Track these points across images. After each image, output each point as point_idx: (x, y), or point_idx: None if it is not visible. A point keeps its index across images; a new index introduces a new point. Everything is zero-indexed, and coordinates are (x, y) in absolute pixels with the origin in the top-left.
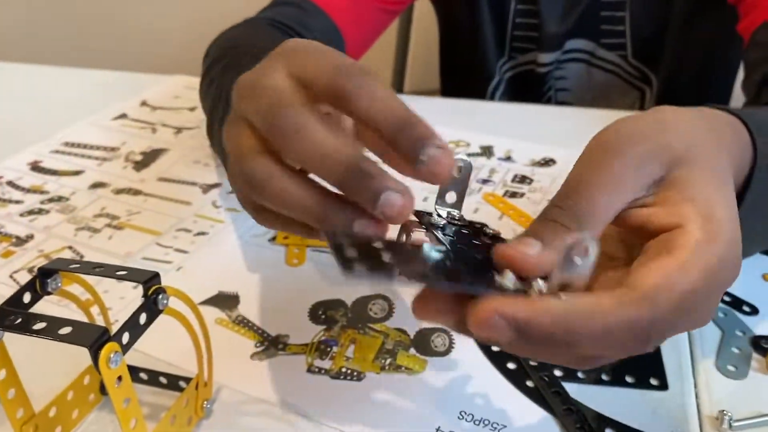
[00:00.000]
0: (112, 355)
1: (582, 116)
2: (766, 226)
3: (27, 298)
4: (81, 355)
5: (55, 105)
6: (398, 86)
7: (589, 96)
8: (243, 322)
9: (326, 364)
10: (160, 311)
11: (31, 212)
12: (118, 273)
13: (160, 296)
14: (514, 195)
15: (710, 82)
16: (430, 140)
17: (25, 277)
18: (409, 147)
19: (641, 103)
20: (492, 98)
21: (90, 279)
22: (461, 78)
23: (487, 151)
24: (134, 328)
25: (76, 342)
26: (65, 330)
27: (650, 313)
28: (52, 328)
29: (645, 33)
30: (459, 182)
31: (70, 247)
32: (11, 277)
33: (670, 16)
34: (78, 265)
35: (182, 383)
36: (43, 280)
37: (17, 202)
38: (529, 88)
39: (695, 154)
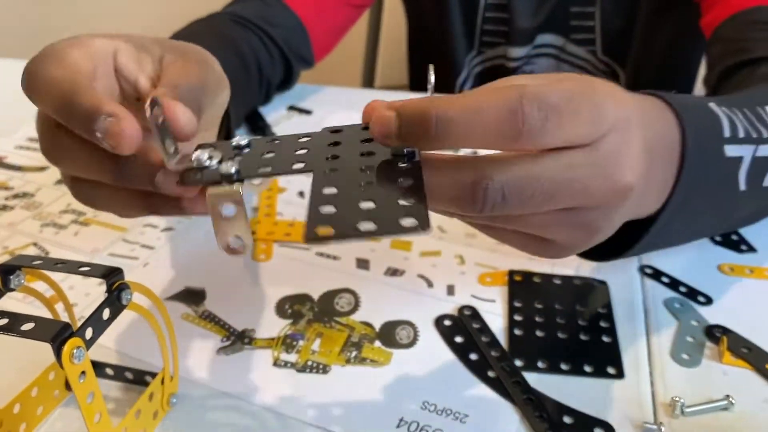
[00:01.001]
0: (75, 351)
1: None
2: (707, 204)
3: None
4: (45, 352)
5: (17, 99)
6: (369, 81)
7: None
8: (209, 317)
9: (292, 357)
10: (124, 306)
11: None
12: (81, 269)
13: (123, 292)
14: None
15: (674, 77)
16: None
17: None
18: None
19: None
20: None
21: (55, 276)
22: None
23: None
24: (98, 323)
25: (39, 338)
26: (27, 326)
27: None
28: (14, 324)
29: (614, 28)
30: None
31: (35, 244)
32: None
33: (637, 12)
34: (40, 262)
35: (148, 378)
36: (5, 277)
37: None
38: None
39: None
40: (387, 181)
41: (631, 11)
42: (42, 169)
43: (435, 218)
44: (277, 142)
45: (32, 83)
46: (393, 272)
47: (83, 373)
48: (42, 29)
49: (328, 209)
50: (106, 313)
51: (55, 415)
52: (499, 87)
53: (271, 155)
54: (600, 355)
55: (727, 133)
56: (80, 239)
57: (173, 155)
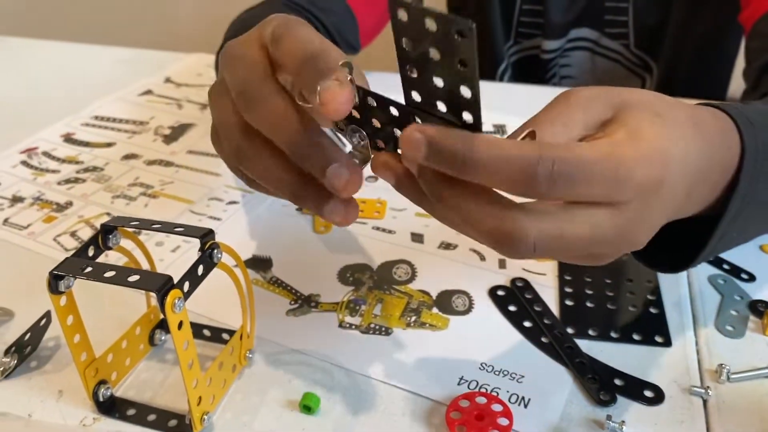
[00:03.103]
0: (176, 301)
1: None
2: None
3: (91, 252)
4: (132, 309)
5: (80, 80)
6: None
7: (593, 83)
8: (277, 283)
9: (356, 320)
10: (215, 264)
11: (68, 181)
12: (176, 229)
13: (215, 251)
14: None
15: (708, 70)
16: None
17: (68, 241)
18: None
19: (641, 85)
20: (500, 81)
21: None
22: None
23: (500, 130)
24: (193, 278)
25: (145, 287)
26: (134, 278)
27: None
28: (122, 276)
29: (647, 23)
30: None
31: (108, 214)
32: (55, 240)
33: (672, 6)
34: (137, 222)
35: (224, 335)
36: (105, 236)
37: (54, 171)
38: (534, 73)
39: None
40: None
41: (665, 5)
42: (109, 144)
43: None
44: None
45: (279, 42)
46: (446, 246)
47: (181, 323)
48: (95, 10)
49: None
50: (200, 270)
51: (140, 367)
52: (524, 142)
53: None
54: (648, 325)
55: None
56: (150, 210)
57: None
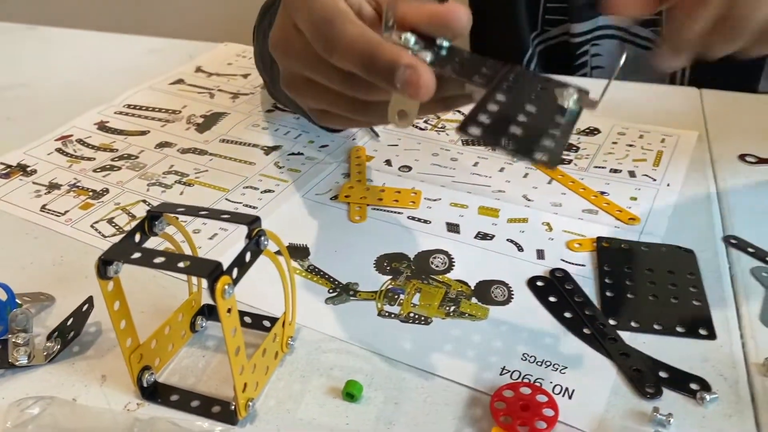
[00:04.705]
0: (226, 287)
1: (623, 89)
2: None
3: (137, 237)
4: (174, 296)
5: (112, 70)
6: None
7: (623, 71)
8: (315, 271)
9: (395, 309)
10: (261, 251)
11: (103, 168)
12: (223, 216)
13: (262, 238)
14: (561, 162)
15: (739, 61)
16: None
17: (105, 227)
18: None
19: (672, 76)
20: None
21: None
22: (494, 53)
23: None
24: (241, 264)
25: (196, 273)
26: (183, 263)
27: None
28: (171, 261)
29: None
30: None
31: (144, 201)
32: (92, 226)
33: None
34: (184, 209)
35: (266, 322)
36: (151, 222)
37: (89, 159)
38: (562, 60)
39: None
40: (546, 114)
41: None
42: (143, 133)
43: (519, 188)
44: (467, 56)
45: (330, 46)
46: (483, 236)
47: (229, 309)
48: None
49: (484, 118)
50: (247, 257)
51: (182, 353)
52: None
53: (459, 65)
54: (691, 318)
55: None
56: (186, 198)
57: (390, 28)
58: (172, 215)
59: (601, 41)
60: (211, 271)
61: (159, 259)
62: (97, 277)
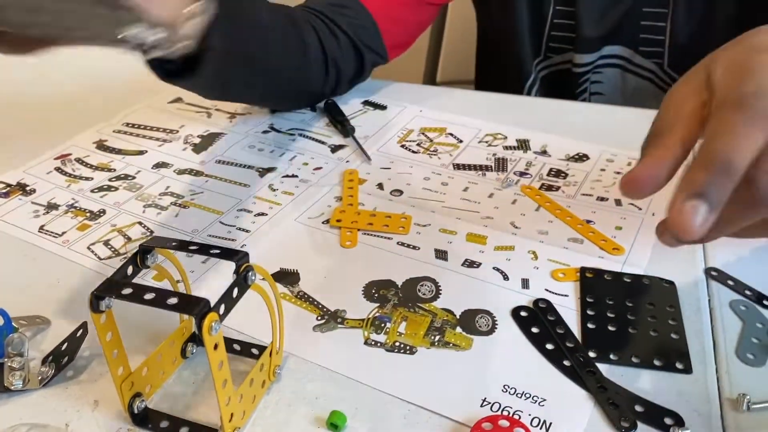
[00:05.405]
0: (213, 324)
1: (615, 114)
2: None
3: (130, 270)
4: (165, 324)
5: (110, 86)
6: (431, 76)
7: (622, 101)
8: (304, 297)
9: (381, 338)
10: (248, 286)
11: (101, 188)
12: (212, 251)
13: (249, 273)
14: (549, 188)
15: None
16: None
17: (101, 250)
18: None
19: None
20: (528, 95)
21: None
22: (497, 75)
23: (523, 145)
24: (228, 300)
25: (184, 311)
26: (172, 300)
27: None
28: (161, 299)
29: (684, 43)
30: None
31: (140, 223)
32: (89, 248)
33: (713, 24)
34: (176, 243)
35: (254, 350)
36: (143, 255)
37: (87, 178)
38: (564, 87)
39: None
40: None
41: (706, 26)
42: (141, 152)
43: (507, 215)
44: None
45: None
46: (470, 264)
47: (216, 345)
48: None
49: None
50: (235, 292)
51: (172, 379)
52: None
53: None
54: (668, 351)
55: None
56: (180, 220)
57: None
58: (164, 249)
59: (604, 69)
60: (199, 309)
61: (149, 296)
62: (90, 310)
